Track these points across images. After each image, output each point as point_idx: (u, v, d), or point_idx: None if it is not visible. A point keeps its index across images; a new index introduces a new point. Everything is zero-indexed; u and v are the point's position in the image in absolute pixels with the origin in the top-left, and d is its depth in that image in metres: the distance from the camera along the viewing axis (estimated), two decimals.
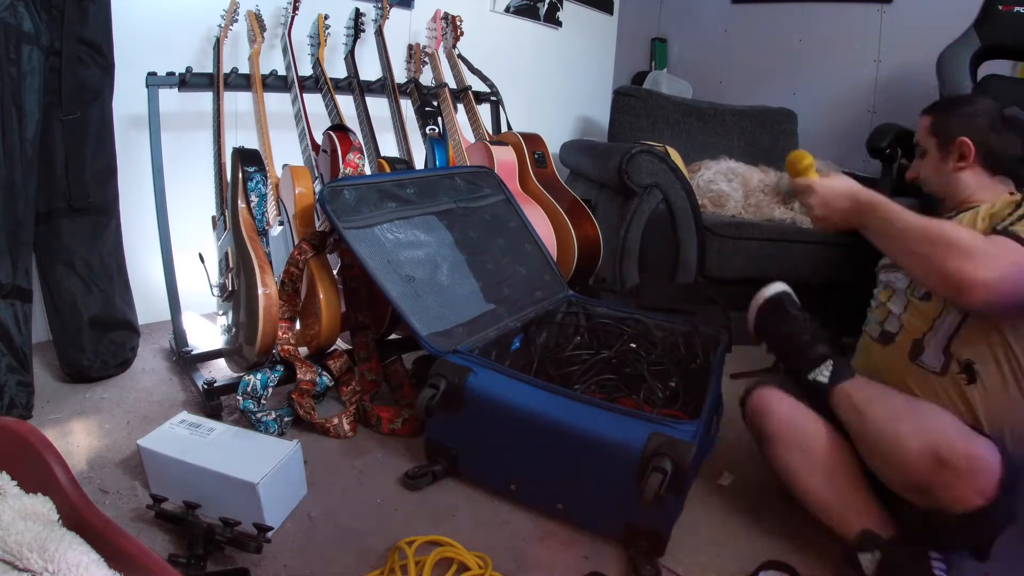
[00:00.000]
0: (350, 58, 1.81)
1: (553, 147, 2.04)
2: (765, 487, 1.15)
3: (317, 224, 1.45)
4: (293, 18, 1.70)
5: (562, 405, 1.04)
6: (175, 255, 1.51)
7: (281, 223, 1.49)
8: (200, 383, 1.34)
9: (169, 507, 0.97)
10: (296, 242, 1.39)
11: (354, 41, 1.81)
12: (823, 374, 1.01)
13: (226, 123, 1.59)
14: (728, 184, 2.17)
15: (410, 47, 2.01)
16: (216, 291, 1.49)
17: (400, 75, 1.96)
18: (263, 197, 1.40)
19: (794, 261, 1.88)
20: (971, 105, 1.15)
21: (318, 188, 1.51)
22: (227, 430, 1.08)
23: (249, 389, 1.27)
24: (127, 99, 1.51)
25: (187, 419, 1.10)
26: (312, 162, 1.61)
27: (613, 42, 3.09)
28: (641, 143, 2.04)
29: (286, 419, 1.28)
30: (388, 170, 1.59)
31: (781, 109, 2.58)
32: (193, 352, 1.53)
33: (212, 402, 1.31)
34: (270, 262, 1.35)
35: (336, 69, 1.84)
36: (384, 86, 1.87)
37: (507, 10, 2.50)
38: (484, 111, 2.05)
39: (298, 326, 1.43)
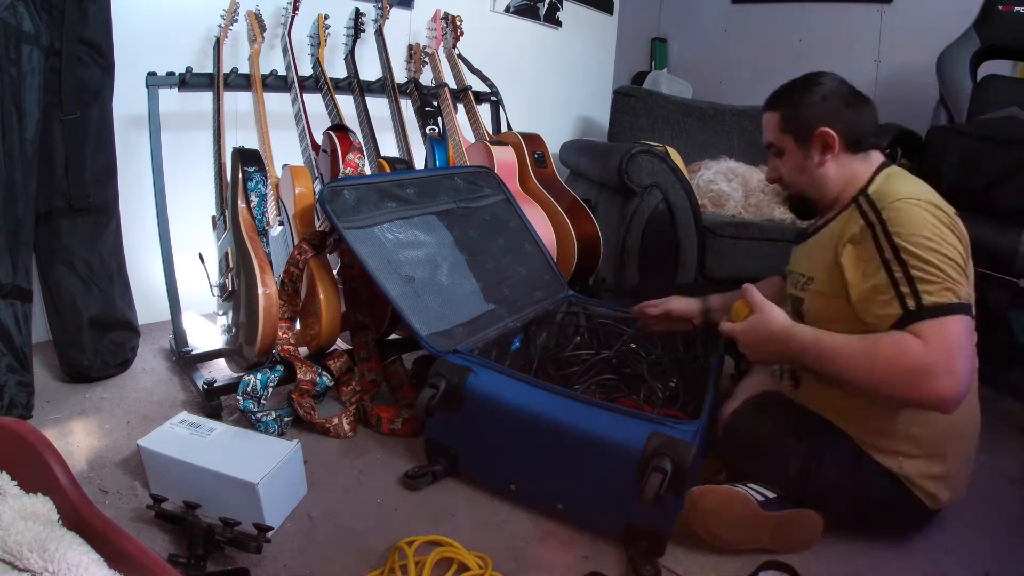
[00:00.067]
0: (350, 58, 1.81)
1: (553, 147, 2.04)
2: None
3: (317, 224, 1.45)
4: (293, 18, 1.70)
5: (562, 405, 1.04)
6: (175, 255, 1.51)
7: (281, 223, 1.49)
8: (200, 383, 1.34)
9: (169, 507, 0.96)
10: (296, 242, 1.39)
11: (354, 41, 1.81)
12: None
13: (226, 123, 1.59)
14: (728, 184, 2.17)
15: (410, 47, 2.01)
16: (216, 291, 1.49)
17: (400, 75, 1.96)
18: (263, 197, 1.40)
19: None
20: (816, 88, 1.05)
21: (318, 188, 1.51)
22: (227, 430, 1.08)
23: (249, 389, 1.27)
24: (127, 99, 1.51)
25: (187, 419, 1.10)
26: (312, 162, 1.61)
27: (613, 42, 3.09)
28: (641, 143, 2.04)
29: (286, 419, 1.28)
30: (388, 170, 1.59)
31: None
32: (193, 352, 1.53)
33: (212, 402, 1.31)
34: (270, 262, 1.35)
35: (336, 69, 1.84)
36: (384, 86, 1.87)
37: (507, 10, 2.50)
38: (484, 111, 2.05)
39: (298, 326, 1.43)
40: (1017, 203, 1.54)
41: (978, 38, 1.96)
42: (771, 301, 1.00)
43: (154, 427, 1.08)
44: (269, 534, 0.92)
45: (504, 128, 2.07)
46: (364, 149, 1.63)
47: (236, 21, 1.66)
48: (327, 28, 1.78)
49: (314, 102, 1.68)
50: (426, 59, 2.01)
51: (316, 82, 1.71)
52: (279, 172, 1.53)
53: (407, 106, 1.92)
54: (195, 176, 1.70)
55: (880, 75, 2.53)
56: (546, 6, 2.64)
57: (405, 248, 1.33)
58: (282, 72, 1.69)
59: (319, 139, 1.59)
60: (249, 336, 1.30)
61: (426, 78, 2.00)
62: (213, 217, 1.60)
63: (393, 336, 1.54)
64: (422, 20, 2.08)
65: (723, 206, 2.14)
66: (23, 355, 1.27)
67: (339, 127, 1.57)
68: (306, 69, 1.74)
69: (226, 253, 1.45)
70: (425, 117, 1.87)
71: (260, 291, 1.28)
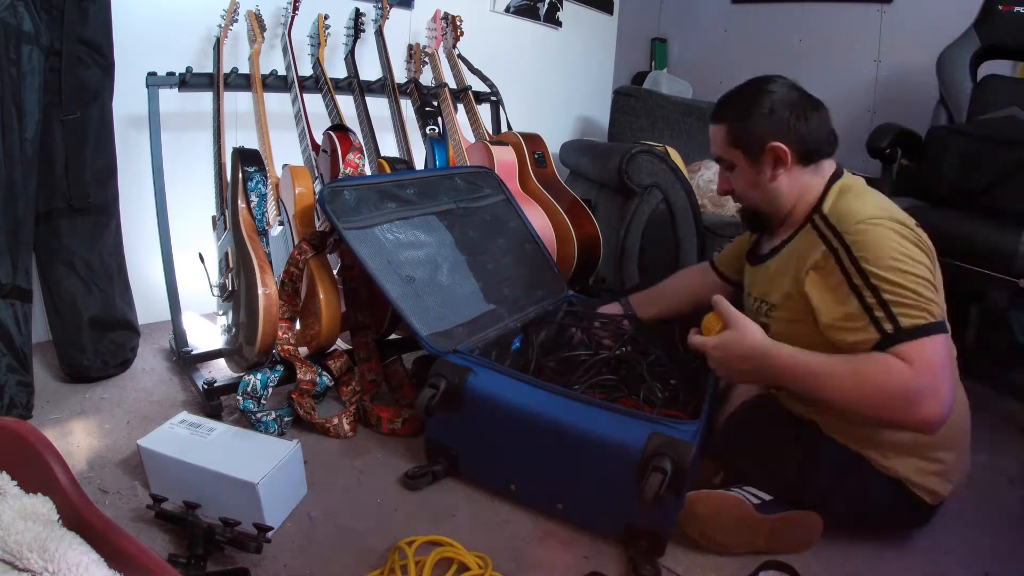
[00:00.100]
0: (350, 58, 1.81)
1: (553, 147, 2.04)
2: None
3: (317, 224, 1.45)
4: (293, 18, 1.70)
5: (562, 405, 1.04)
6: (175, 255, 1.51)
7: (281, 223, 1.49)
8: (200, 383, 1.34)
9: (169, 507, 0.97)
10: (296, 242, 1.39)
11: (354, 41, 1.81)
12: None
13: (226, 123, 1.59)
14: None
15: (410, 47, 2.01)
16: (216, 291, 1.49)
17: (400, 75, 1.96)
18: (263, 197, 1.40)
19: None
20: (765, 99, 1.00)
21: (318, 188, 1.51)
22: (227, 430, 1.08)
23: (249, 389, 1.27)
24: (127, 99, 1.51)
25: (187, 419, 1.10)
26: (312, 162, 1.61)
27: (613, 42, 3.09)
28: (641, 143, 2.04)
29: (286, 419, 1.28)
30: (388, 170, 1.59)
31: None
32: (193, 352, 1.53)
33: (212, 402, 1.31)
34: (270, 262, 1.35)
35: (336, 69, 1.84)
36: (384, 86, 1.87)
37: (507, 10, 2.50)
38: (484, 111, 2.05)
39: (298, 326, 1.43)
40: (1017, 203, 1.54)
41: (978, 38, 1.96)
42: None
43: (154, 427, 1.08)
44: (269, 534, 0.92)
45: (504, 128, 2.07)
46: (364, 149, 1.63)
47: (236, 21, 1.66)
48: (327, 28, 1.77)
49: (314, 102, 1.68)
50: (426, 59, 2.01)
51: (316, 82, 1.71)
52: (279, 172, 1.53)
53: (407, 106, 1.92)
54: (195, 176, 1.70)
55: (880, 75, 2.53)
56: (546, 6, 2.64)
57: (405, 248, 1.33)
58: (282, 72, 1.69)
59: (319, 139, 1.59)
60: (249, 336, 1.30)
61: (426, 78, 1.99)
62: (213, 217, 1.60)
63: (393, 336, 1.54)
64: (422, 20, 2.08)
65: (723, 206, 2.15)
66: (23, 355, 1.27)
67: (339, 127, 1.57)
68: (306, 69, 1.74)
69: (226, 253, 1.45)
70: (425, 117, 1.87)
71: (260, 291, 1.28)
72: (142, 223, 1.60)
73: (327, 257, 1.41)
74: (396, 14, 2.03)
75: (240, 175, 1.38)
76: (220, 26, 1.63)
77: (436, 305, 1.28)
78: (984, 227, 1.51)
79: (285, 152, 1.66)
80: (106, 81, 1.42)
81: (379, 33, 1.89)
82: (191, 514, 0.94)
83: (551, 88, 2.78)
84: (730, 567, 0.97)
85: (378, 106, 1.84)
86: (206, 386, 1.31)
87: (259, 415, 1.25)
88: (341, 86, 1.77)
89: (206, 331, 1.72)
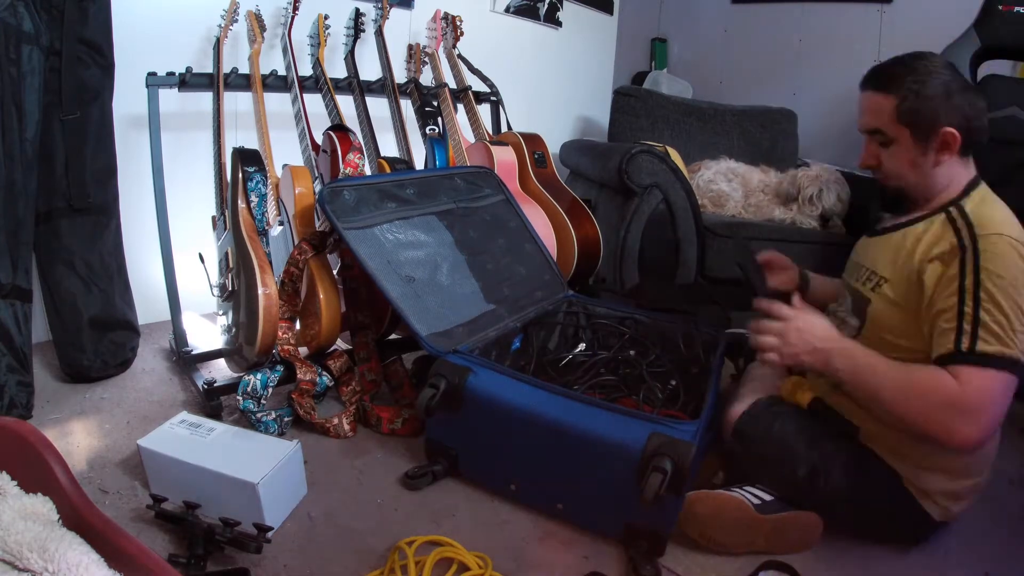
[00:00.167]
0: (350, 58, 1.81)
1: (553, 147, 2.04)
2: None
3: (317, 224, 1.45)
4: (293, 18, 1.70)
5: (562, 405, 1.04)
6: (175, 255, 1.51)
7: (281, 223, 1.49)
8: (200, 383, 1.34)
9: (169, 507, 0.97)
10: (296, 242, 1.39)
11: (354, 41, 1.81)
12: None
13: (226, 123, 1.59)
14: (728, 184, 2.17)
15: (410, 47, 2.01)
16: (216, 291, 1.49)
17: (400, 75, 1.96)
18: (263, 197, 1.40)
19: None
20: (939, 79, 0.94)
21: (318, 188, 1.51)
22: (227, 430, 1.08)
23: (249, 389, 1.27)
24: (127, 99, 1.51)
25: (187, 419, 1.10)
26: (312, 162, 1.61)
27: (613, 42, 3.09)
28: (641, 143, 2.04)
29: (286, 419, 1.28)
30: (388, 170, 1.59)
31: (781, 109, 2.58)
32: (193, 352, 1.53)
33: (212, 402, 1.31)
34: (270, 262, 1.35)
35: (336, 69, 1.84)
36: (384, 86, 1.87)
37: (507, 10, 2.50)
38: (484, 111, 2.05)
39: (298, 326, 1.43)
40: (1017, 203, 1.54)
41: (978, 38, 1.95)
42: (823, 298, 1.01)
43: (154, 427, 1.08)
44: (269, 534, 0.92)
45: (504, 128, 2.07)
46: (364, 149, 1.63)
47: (236, 21, 1.66)
48: (327, 28, 1.77)
49: (314, 102, 1.68)
50: (426, 59, 2.01)
51: (316, 82, 1.71)
52: (279, 172, 1.53)
53: (407, 106, 1.92)
54: (195, 176, 1.70)
55: None
56: (546, 6, 2.64)
57: (405, 248, 1.33)
58: (282, 72, 1.69)
59: (319, 139, 1.59)
60: (249, 336, 1.30)
61: (426, 78, 1.99)
62: (213, 217, 1.60)
63: (393, 336, 1.53)
64: (422, 20, 2.08)
65: (723, 206, 2.14)
66: (23, 355, 1.27)
67: (339, 127, 1.57)
68: (306, 69, 1.73)
69: (226, 253, 1.45)
70: (425, 117, 1.87)
71: (260, 291, 1.28)
72: (142, 223, 1.60)
73: (327, 257, 1.41)
74: (396, 14, 2.03)
75: (240, 175, 1.38)
76: (220, 26, 1.63)
77: (436, 305, 1.28)
78: None
79: (285, 152, 1.66)
80: (106, 81, 1.42)
81: (379, 33, 1.89)
82: (191, 514, 0.94)
83: (551, 88, 2.78)
84: (730, 567, 0.97)
85: (378, 106, 1.84)
86: (206, 386, 1.31)
87: (259, 415, 1.25)
88: (341, 86, 1.77)
89: (206, 331, 1.72)
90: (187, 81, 1.52)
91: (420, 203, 1.44)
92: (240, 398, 1.26)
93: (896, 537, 1.04)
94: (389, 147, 1.81)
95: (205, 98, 1.63)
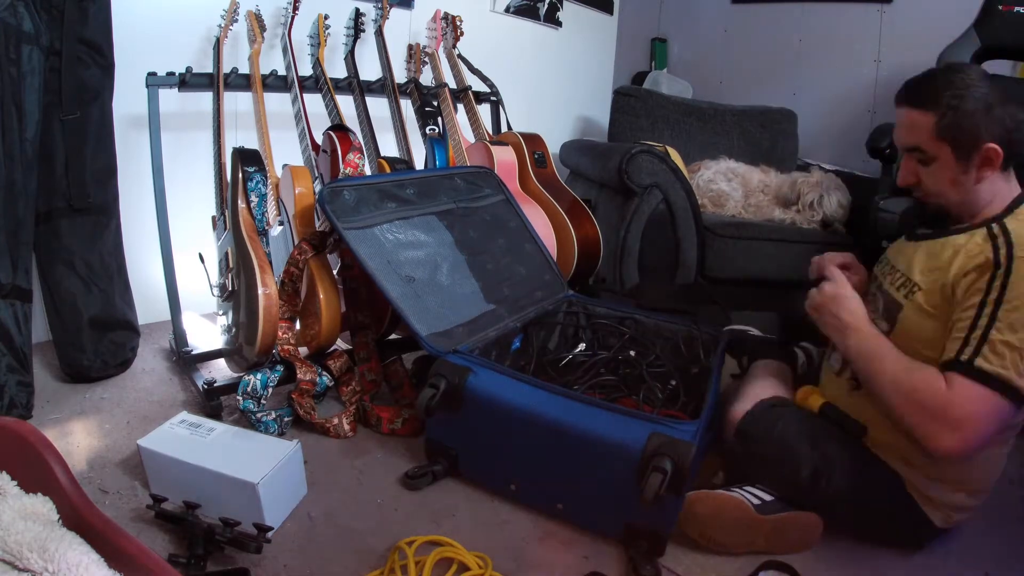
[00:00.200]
0: (350, 58, 1.81)
1: (553, 147, 2.04)
2: None
3: (317, 224, 1.45)
4: (293, 18, 1.70)
5: (562, 405, 1.04)
6: (175, 255, 1.51)
7: (281, 223, 1.49)
8: (200, 383, 1.34)
9: (169, 507, 0.97)
10: (296, 242, 1.39)
11: (354, 41, 1.81)
12: None
13: (226, 123, 1.59)
14: (728, 184, 2.17)
15: (410, 47, 2.01)
16: (216, 291, 1.49)
17: (400, 75, 1.96)
18: (263, 197, 1.40)
19: (794, 261, 1.87)
20: (978, 92, 0.91)
21: (318, 188, 1.51)
22: (227, 430, 1.08)
23: (249, 389, 1.27)
24: (127, 99, 1.51)
25: (187, 419, 1.10)
26: (312, 162, 1.61)
27: (613, 42, 3.09)
28: (641, 143, 2.04)
29: (286, 419, 1.28)
30: (388, 170, 1.59)
31: (781, 109, 2.58)
32: (193, 352, 1.53)
33: (212, 402, 1.31)
34: (270, 262, 1.35)
35: (336, 69, 1.84)
36: (384, 86, 1.87)
37: (507, 10, 2.50)
38: (484, 111, 2.05)
39: (298, 326, 1.43)
40: None
41: (978, 38, 1.95)
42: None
43: (154, 427, 1.08)
44: (269, 534, 0.92)
45: (504, 128, 2.07)
46: (364, 149, 1.63)
47: (236, 21, 1.66)
48: (327, 28, 1.77)
49: (314, 102, 1.68)
50: (426, 59, 2.01)
51: (316, 82, 1.71)
52: (279, 172, 1.53)
53: (407, 106, 1.92)
54: (195, 176, 1.70)
55: (880, 75, 2.53)
56: (546, 6, 2.64)
57: (405, 248, 1.33)
58: (282, 72, 1.69)
59: (319, 139, 1.59)
60: (249, 336, 1.30)
61: (426, 78, 1.99)
62: (213, 217, 1.60)
63: (393, 336, 1.53)
64: (422, 20, 2.08)
65: (723, 206, 2.14)
66: (23, 355, 1.27)
67: (339, 127, 1.57)
68: (306, 69, 1.73)
69: (226, 253, 1.45)
70: (425, 117, 1.87)
71: (260, 291, 1.28)
72: (142, 223, 1.60)
73: (327, 257, 1.41)
74: (396, 14, 2.03)
75: (240, 175, 1.38)
76: (220, 26, 1.63)
77: (436, 305, 1.28)
78: None
79: (285, 152, 1.66)
80: (106, 81, 1.42)
81: (379, 33, 1.89)
82: (191, 514, 0.94)
83: (551, 88, 2.78)
84: (730, 567, 0.97)
85: (378, 106, 1.84)
86: (206, 386, 1.31)
87: (259, 415, 1.25)
88: (341, 86, 1.77)
89: (206, 331, 1.72)
90: (187, 81, 1.52)
91: (420, 203, 1.44)
92: (240, 398, 1.26)
93: (897, 540, 1.04)
94: (389, 147, 1.81)
95: (205, 98, 1.63)
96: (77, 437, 1.23)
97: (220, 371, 1.50)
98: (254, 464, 0.98)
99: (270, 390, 1.31)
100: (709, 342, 1.39)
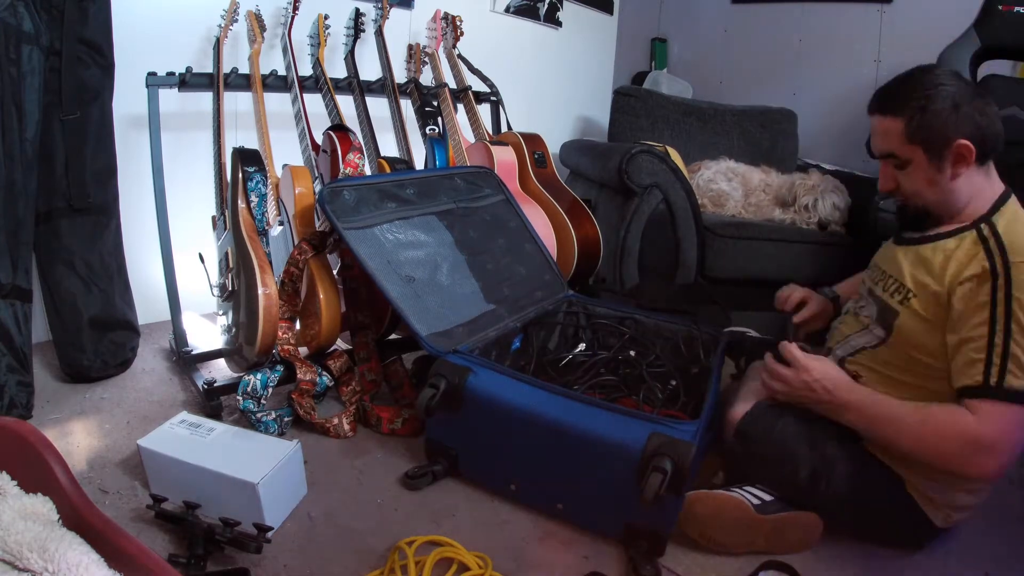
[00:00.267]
0: (350, 58, 1.81)
1: (553, 147, 2.04)
2: None
3: (317, 224, 1.45)
4: (293, 18, 1.70)
5: (562, 405, 1.04)
6: (175, 255, 1.51)
7: (281, 223, 1.49)
8: (200, 383, 1.34)
9: (169, 507, 0.97)
10: (296, 242, 1.39)
11: (354, 41, 1.81)
12: None
13: (226, 123, 1.59)
14: (728, 184, 2.17)
15: (410, 47, 2.01)
16: (216, 291, 1.49)
17: (400, 75, 1.96)
18: (263, 197, 1.40)
19: (794, 261, 1.87)
20: (944, 91, 0.92)
21: (318, 188, 1.51)
22: (227, 430, 1.08)
23: (249, 389, 1.27)
24: (127, 99, 1.51)
25: (187, 419, 1.10)
26: (312, 162, 1.61)
27: (613, 42, 3.09)
28: (641, 143, 2.04)
29: (286, 419, 1.28)
30: (388, 170, 1.59)
31: (781, 109, 2.58)
32: (193, 352, 1.53)
33: (212, 402, 1.31)
34: (270, 262, 1.35)
35: (336, 69, 1.84)
36: (384, 86, 1.87)
37: (507, 10, 2.50)
38: (484, 111, 2.05)
39: (298, 326, 1.43)
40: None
41: (978, 38, 1.95)
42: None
43: (154, 427, 1.08)
44: (269, 534, 0.92)
45: (504, 128, 2.07)
46: (364, 149, 1.63)
47: (236, 21, 1.66)
48: (327, 28, 1.77)
49: (314, 102, 1.68)
50: (426, 59, 2.01)
51: (316, 82, 1.71)
52: (279, 172, 1.53)
53: (407, 106, 1.92)
54: (195, 176, 1.70)
55: (880, 75, 2.53)
56: (546, 6, 2.64)
57: (405, 248, 1.33)
58: (282, 72, 1.69)
59: (319, 139, 1.59)
60: (249, 336, 1.30)
61: (426, 78, 1.99)
62: (213, 217, 1.60)
63: (393, 336, 1.53)
64: (422, 20, 2.08)
65: (723, 206, 2.14)
66: (23, 355, 1.27)
67: (339, 127, 1.57)
68: (306, 69, 1.73)
69: (226, 253, 1.45)
70: (425, 117, 1.87)
71: (260, 291, 1.28)
72: (142, 223, 1.60)
73: (327, 257, 1.41)
74: (396, 14, 2.03)
75: (240, 175, 1.38)
76: (220, 26, 1.63)
77: (436, 305, 1.28)
78: None
79: (285, 152, 1.66)
80: (106, 81, 1.42)
81: (379, 33, 1.89)
82: (191, 514, 0.94)
83: (551, 88, 2.78)
84: (730, 567, 0.97)
85: (378, 106, 1.84)
86: (206, 386, 1.31)
87: (259, 415, 1.25)
88: (341, 86, 1.77)
89: (206, 331, 1.72)
90: (187, 81, 1.52)
91: (420, 203, 1.44)
92: (240, 398, 1.26)
93: (897, 541, 1.04)
94: (389, 147, 1.81)
95: (205, 98, 1.63)
96: (77, 437, 1.23)
97: (220, 371, 1.50)
98: (254, 464, 0.98)
99: (270, 390, 1.31)
100: (709, 342, 1.39)
